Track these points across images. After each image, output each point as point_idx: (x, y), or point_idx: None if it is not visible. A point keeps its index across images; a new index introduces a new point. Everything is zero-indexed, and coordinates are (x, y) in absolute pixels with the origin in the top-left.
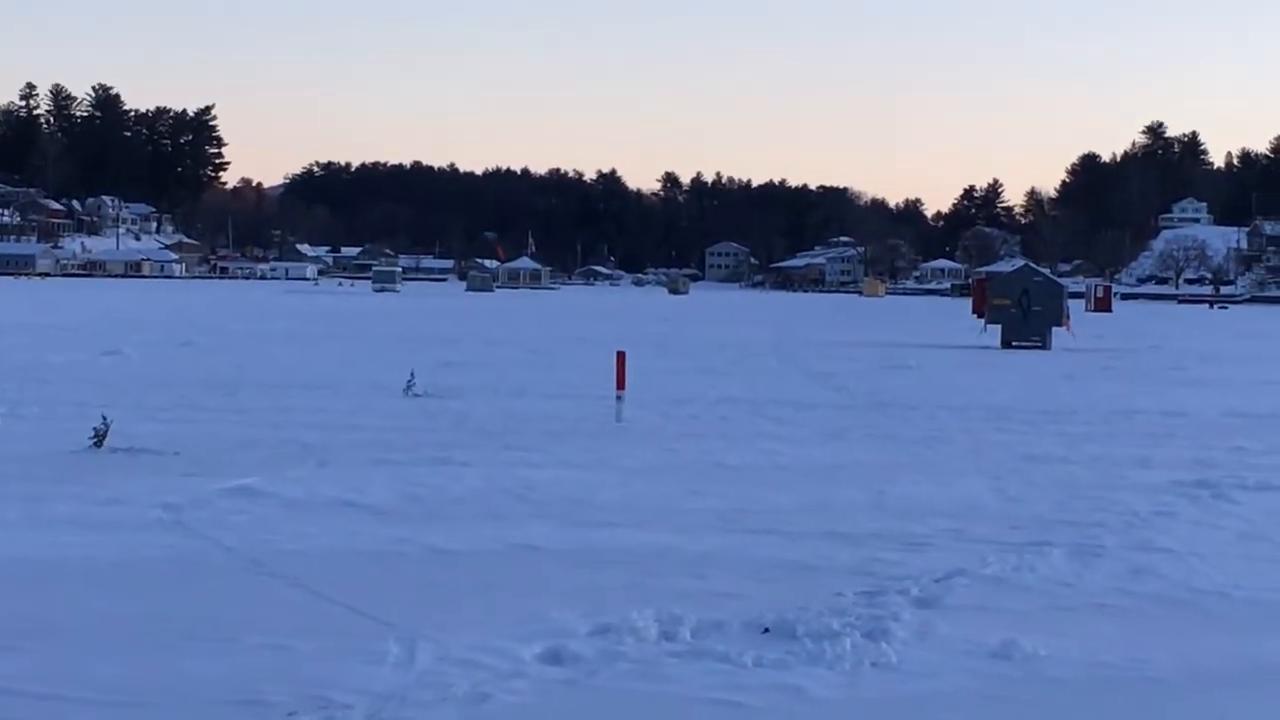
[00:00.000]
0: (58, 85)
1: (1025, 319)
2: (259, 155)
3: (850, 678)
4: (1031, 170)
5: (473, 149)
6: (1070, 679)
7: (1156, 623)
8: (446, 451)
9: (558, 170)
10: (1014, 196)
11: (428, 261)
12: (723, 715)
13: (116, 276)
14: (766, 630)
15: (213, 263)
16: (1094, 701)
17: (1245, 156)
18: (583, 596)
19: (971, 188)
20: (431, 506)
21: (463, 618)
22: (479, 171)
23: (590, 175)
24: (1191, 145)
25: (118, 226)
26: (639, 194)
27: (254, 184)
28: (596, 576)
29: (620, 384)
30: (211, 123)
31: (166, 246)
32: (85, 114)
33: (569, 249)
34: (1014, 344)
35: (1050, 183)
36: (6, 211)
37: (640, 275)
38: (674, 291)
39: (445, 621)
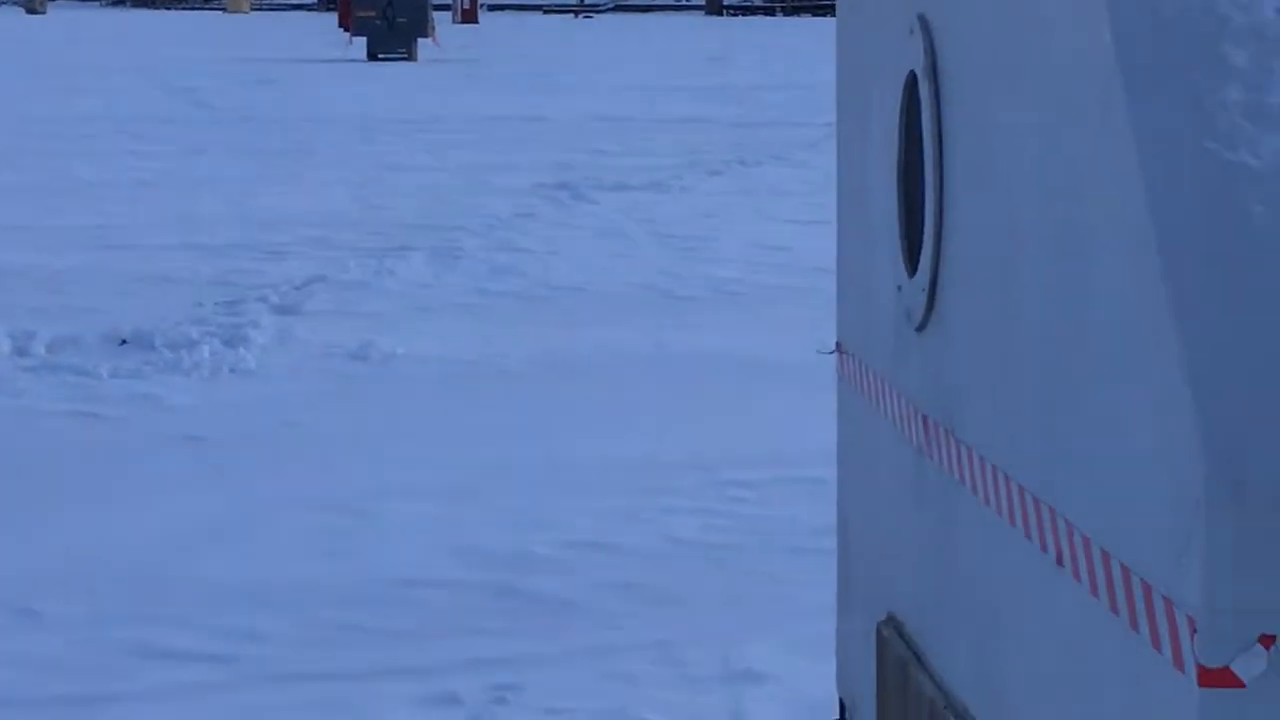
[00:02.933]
0: None
1: (391, 31)
2: None
3: (208, 384)
4: None
5: None
6: (426, 375)
7: (514, 319)
8: None
9: None
10: None
11: None
12: (80, 426)
13: None
14: (124, 342)
15: None
16: (447, 393)
17: None
18: None
19: None
20: None
21: None
22: None
23: None
24: None
25: None
26: None
27: None
28: None
29: None
30: None
31: None
32: None
33: None
34: (380, 56)
35: None
36: None
37: None
38: (31, 11)
39: None
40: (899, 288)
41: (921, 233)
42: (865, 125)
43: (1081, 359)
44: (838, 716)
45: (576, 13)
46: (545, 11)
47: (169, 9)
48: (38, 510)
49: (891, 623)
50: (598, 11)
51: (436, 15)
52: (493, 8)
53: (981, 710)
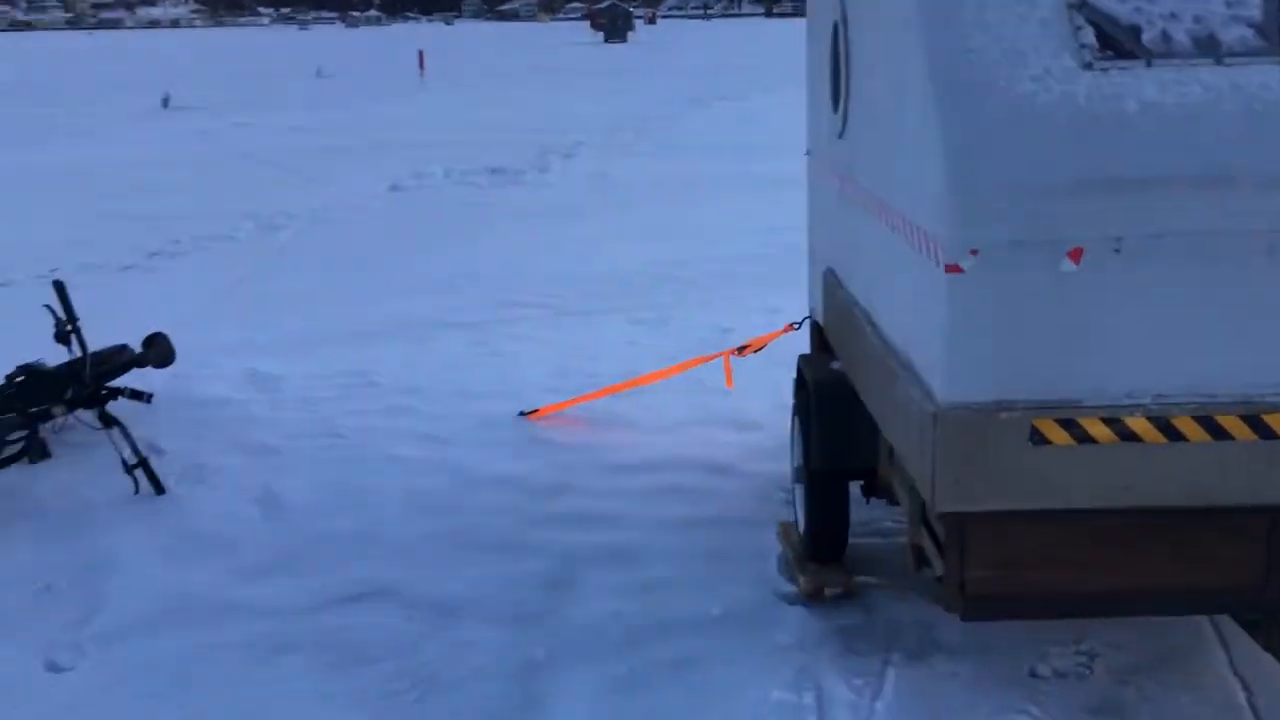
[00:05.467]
0: None
1: (614, 28)
2: None
3: (531, 189)
4: None
5: None
6: (626, 182)
7: (670, 156)
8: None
9: None
10: None
11: None
12: (472, 207)
13: None
14: (494, 171)
15: None
16: (635, 187)
17: None
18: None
19: None
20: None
21: (336, 175)
22: None
23: None
24: None
25: None
26: None
27: None
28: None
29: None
30: None
31: None
32: None
33: None
34: (609, 41)
35: None
36: None
37: None
38: (503, 18)
39: (328, 175)
40: (831, 117)
41: (839, 92)
42: (817, 48)
43: (902, 135)
44: (808, 317)
45: (705, 17)
46: (690, 17)
47: (508, 20)
48: (454, 243)
49: (830, 272)
50: (713, 16)
51: (636, 20)
52: (664, 17)
53: (870, 308)
